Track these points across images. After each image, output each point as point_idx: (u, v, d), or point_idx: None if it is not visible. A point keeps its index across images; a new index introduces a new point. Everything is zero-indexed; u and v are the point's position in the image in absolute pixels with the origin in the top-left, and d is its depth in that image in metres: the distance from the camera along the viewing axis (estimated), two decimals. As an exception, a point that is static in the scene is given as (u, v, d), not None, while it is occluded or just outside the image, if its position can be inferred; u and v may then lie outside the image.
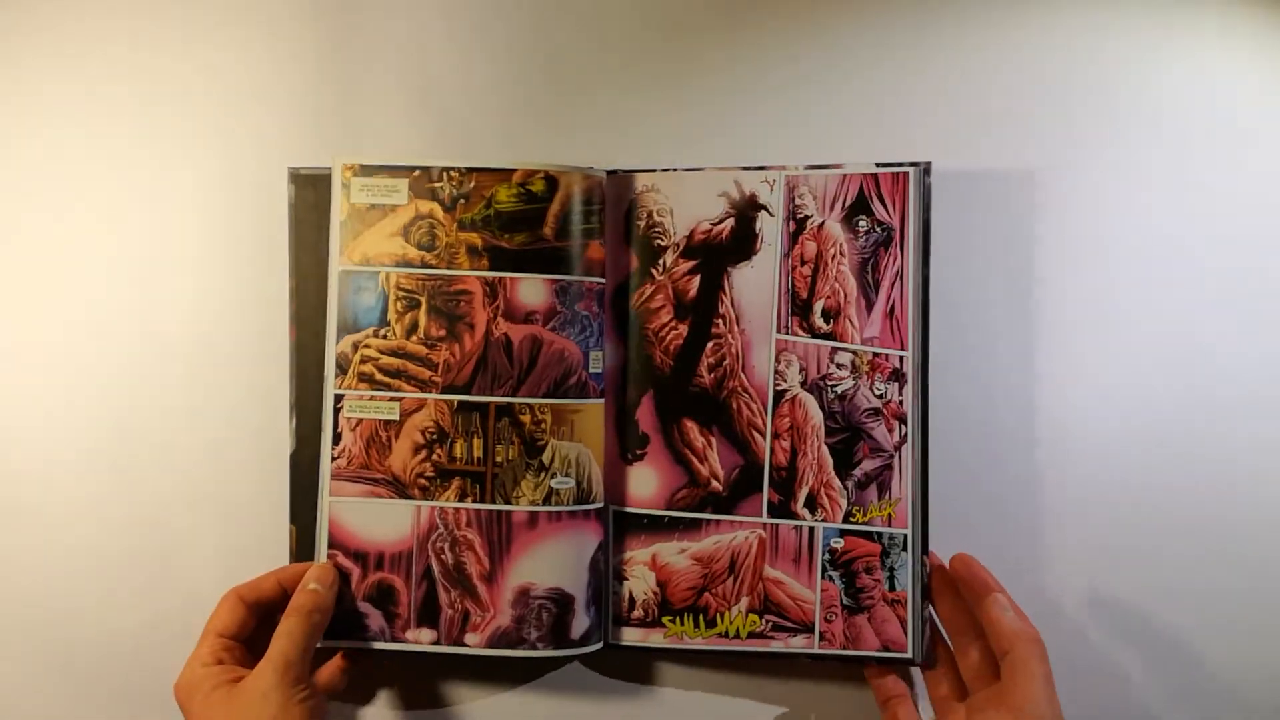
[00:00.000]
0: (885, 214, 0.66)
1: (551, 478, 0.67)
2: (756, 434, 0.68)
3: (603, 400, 0.69)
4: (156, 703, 0.70)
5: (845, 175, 0.67)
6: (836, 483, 0.67)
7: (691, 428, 0.68)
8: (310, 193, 0.69)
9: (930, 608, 0.67)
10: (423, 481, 0.67)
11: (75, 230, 0.74)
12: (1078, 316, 0.72)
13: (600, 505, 0.69)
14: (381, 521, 0.68)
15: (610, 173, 0.69)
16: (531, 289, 0.67)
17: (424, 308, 0.67)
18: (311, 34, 0.74)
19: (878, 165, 0.67)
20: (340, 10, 0.74)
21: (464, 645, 0.67)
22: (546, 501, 0.67)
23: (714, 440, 0.68)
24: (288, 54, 0.74)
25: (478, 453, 0.67)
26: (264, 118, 0.74)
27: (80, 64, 0.74)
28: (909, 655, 0.67)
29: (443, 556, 0.67)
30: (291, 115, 0.74)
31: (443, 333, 0.67)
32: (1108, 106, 0.72)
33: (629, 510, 0.69)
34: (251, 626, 0.66)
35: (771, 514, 0.68)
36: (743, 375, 0.68)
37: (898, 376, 0.66)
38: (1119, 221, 0.72)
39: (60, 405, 0.73)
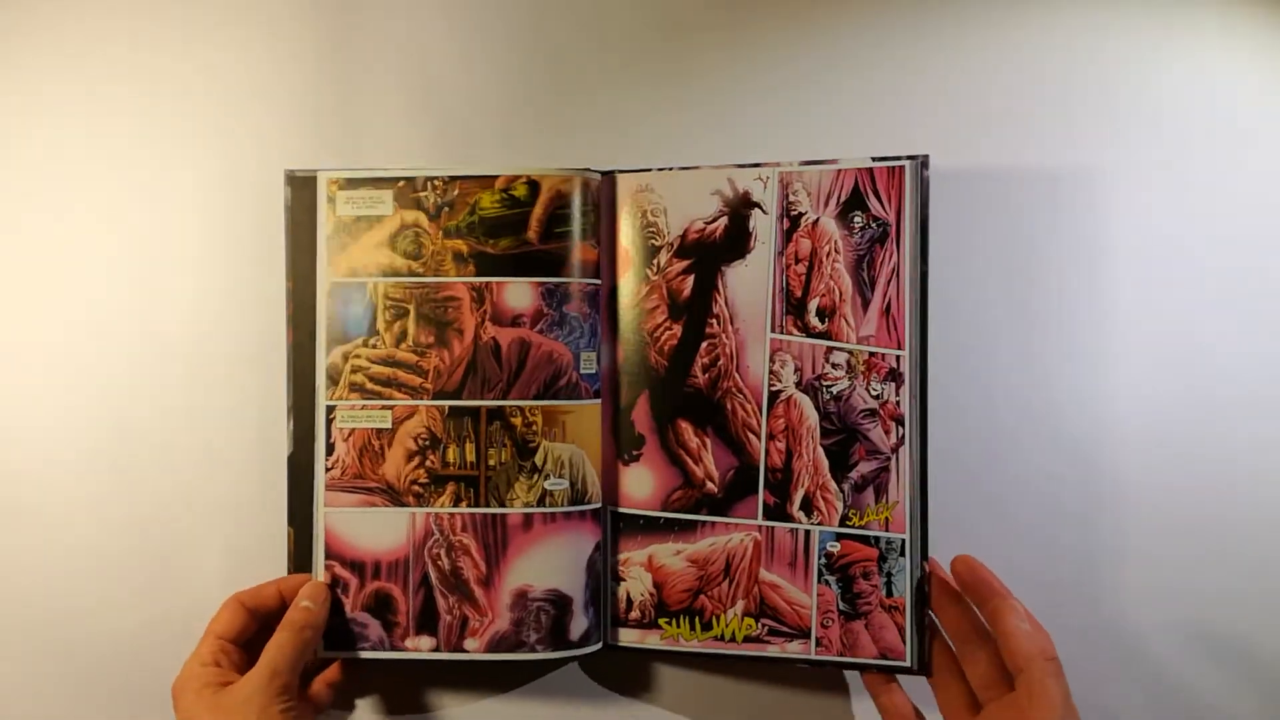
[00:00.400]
0: (881, 209, 0.66)
1: (545, 479, 0.67)
2: (751, 435, 0.67)
3: (598, 401, 0.68)
4: (156, 703, 0.69)
5: (840, 171, 0.66)
6: (832, 485, 0.66)
7: (686, 428, 0.68)
8: (307, 194, 0.69)
9: (931, 615, 0.66)
10: (417, 488, 0.68)
11: (75, 230, 0.74)
12: (1078, 316, 0.71)
13: (597, 506, 0.68)
14: (377, 530, 0.68)
15: (605, 173, 0.69)
16: (517, 292, 0.67)
17: (412, 315, 0.68)
18: (311, 34, 0.74)
19: (873, 159, 0.66)
20: (340, 10, 0.74)
21: (463, 651, 0.67)
22: (541, 503, 0.67)
23: (709, 441, 0.68)
24: (288, 54, 0.74)
25: (470, 457, 0.68)
26: (264, 118, 0.74)
27: (80, 64, 0.74)
28: (907, 663, 0.66)
29: (439, 562, 0.67)
30: (291, 115, 0.74)
31: (431, 339, 0.68)
32: (1108, 106, 0.71)
33: (626, 511, 0.69)
34: (252, 631, 0.66)
35: (767, 516, 0.67)
36: (737, 375, 0.67)
37: (894, 376, 0.65)
38: (1119, 221, 0.71)
39: (60, 405, 0.73)
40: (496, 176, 0.68)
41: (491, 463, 0.67)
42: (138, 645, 0.73)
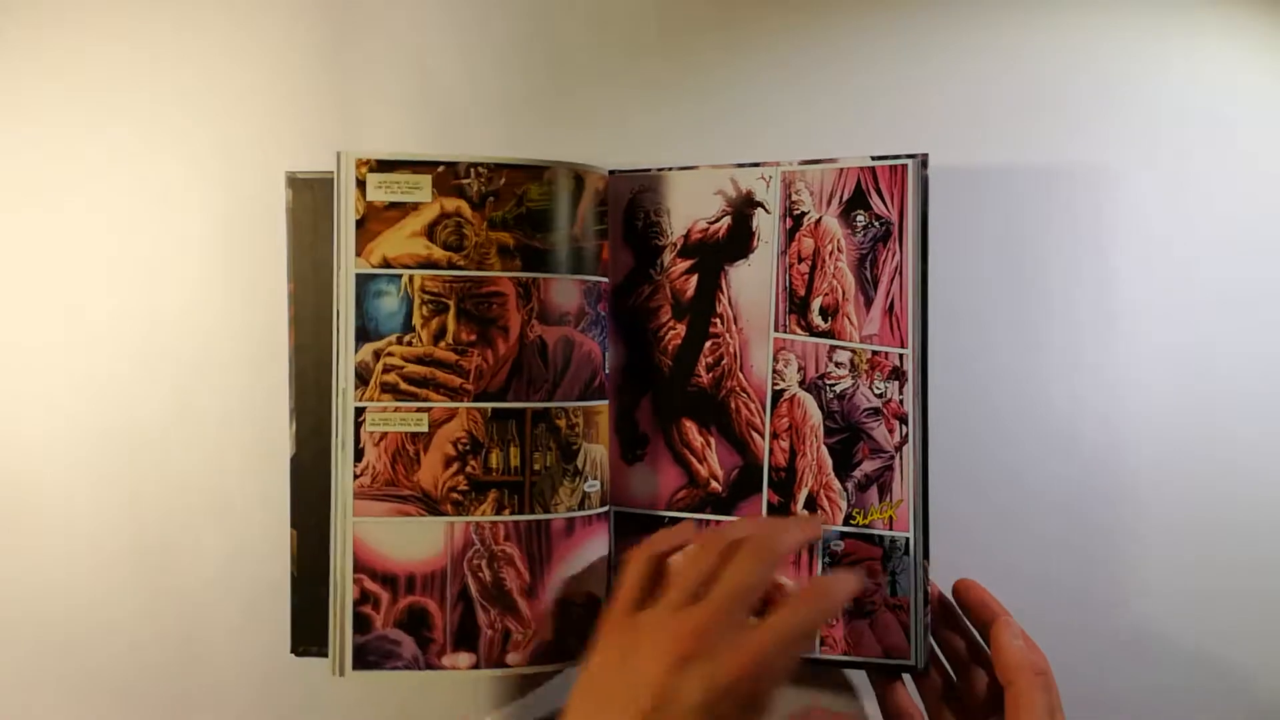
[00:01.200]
0: (883, 208, 0.65)
1: (584, 482, 0.66)
2: (755, 434, 0.67)
3: (607, 401, 0.68)
4: (156, 704, 0.72)
5: (842, 170, 0.65)
6: (836, 484, 0.66)
7: (691, 428, 0.68)
8: (308, 196, 0.67)
9: (932, 639, 0.65)
10: (456, 496, 0.64)
11: (76, 230, 0.74)
12: (1079, 315, 0.70)
13: (606, 507, 0.68)
14: (411, 541, 0.64)
15: (609, 172, 0.69)
16: (564, 290, 0.65)
17: (453, 311, 0.64)
18: (311, 34, 0.74)
19: (873, 158, 0.65)
20: (340, 9, 0.74)
21: (505, 665, 0.64)
22: (580, 506, 0.66)
23: (713, 440, 0.68)
24: (288, 54, 0.74)
25: (515, 462, 0.64)
26: (263, 117, 0.73)
27: (81, 63, 0.74)
28: (911, 662, 0.65)
29: (480, 574, 0.64)
30: (291, 115, 0.74)
31: (474, 337, 0.64)
32: (1109, 105, 0.71)
33: (630, 511, 0.69)
34: None
35: (771, 515, 0.66)
36: (741, 375, 0.67)
37: (898, 375, 0.64)
38: (1119, 219, 0.70)
39: (60, 406, 0.73)
40: (546, 167, 0.64)
41: (536, 467, 0.64)
42: (137, 647, 0.73)
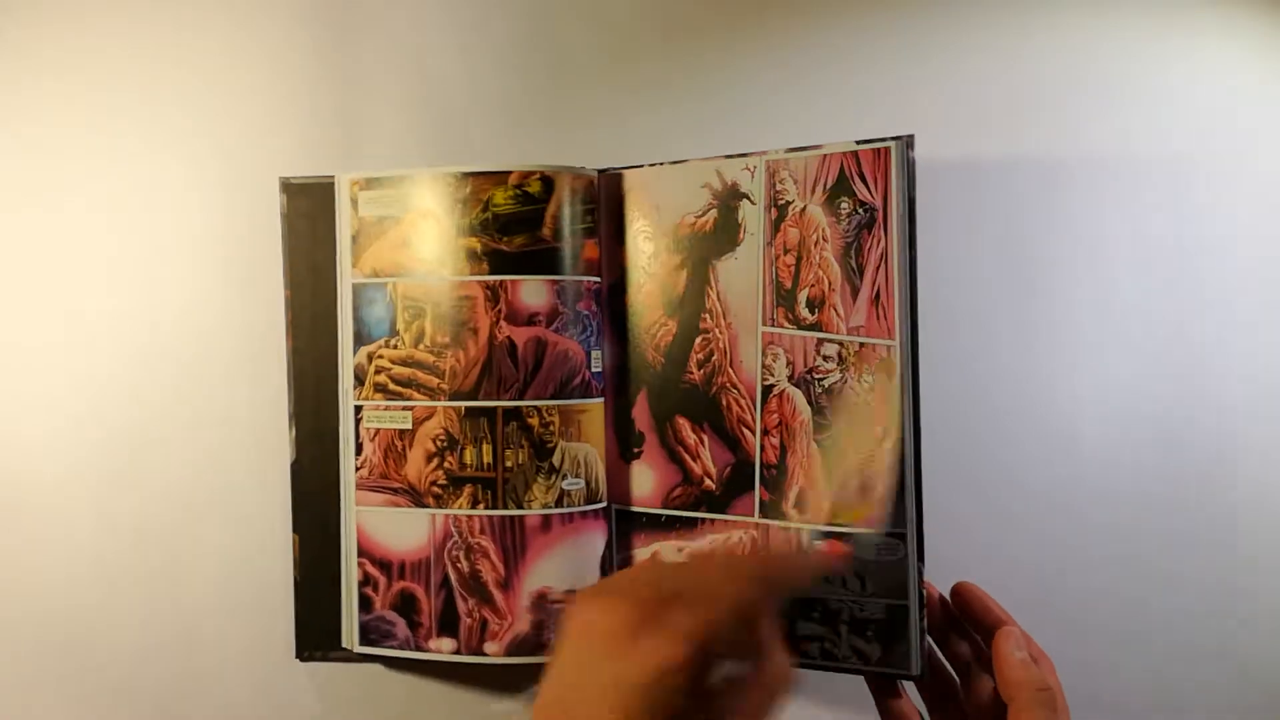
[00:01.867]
0: (867, 193, 0.63)
1: (563, 479, 0.67)
2: (746, 431, 0.65)
3: (602, 399, 0.68)
4: (157, 704, 0.72)
5: (825, 156, 0.64)
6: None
7: (684, 425, 0.67)
8: (302, 201, 0.69)
9: (930, 642, 0.63)
10: (436, 489, 0.67)
11: (76, 232, 0.74)
12: (1079, 316, 0.70)
13: (604, 504, 0.68)
14: (401, 530, 0.68)
15: (601, 171, 0.69)
16: (533, 290, 0.66)
17: (429, 315, 0.67)
18: (311, 35, 0.74)
19: (857, 142, 0.63)
20: (340, 10, 0.74)
21: (483, 654, 0.67)
22: (558, 504, 0.66)
23: (706, 438, 0.66)
24: (287, 54, 0.74)
25: (487, 458, 0.67)
26: (263, 118, 0.74)
27: (80, 64, 0.74)
28: (906, 670, 0.62)
29: (458, 565, 0.67)
30: (291, 116, 0.74)
31: (447, 339, 0.67)
32: (1107, 103, 0.70)
33: (629, 509, 0.68)
34: None
35: (763, 513, 0.65)
36: (731, 371, 0.66)
37: (886, 368, 0.62)
38: (1119, 218, 0.70)
39: (61, 406, 0.74)
40: (509, 173, 0.66)
41: (509, 464, 0.66)
42: (138, 646, 0.73)
